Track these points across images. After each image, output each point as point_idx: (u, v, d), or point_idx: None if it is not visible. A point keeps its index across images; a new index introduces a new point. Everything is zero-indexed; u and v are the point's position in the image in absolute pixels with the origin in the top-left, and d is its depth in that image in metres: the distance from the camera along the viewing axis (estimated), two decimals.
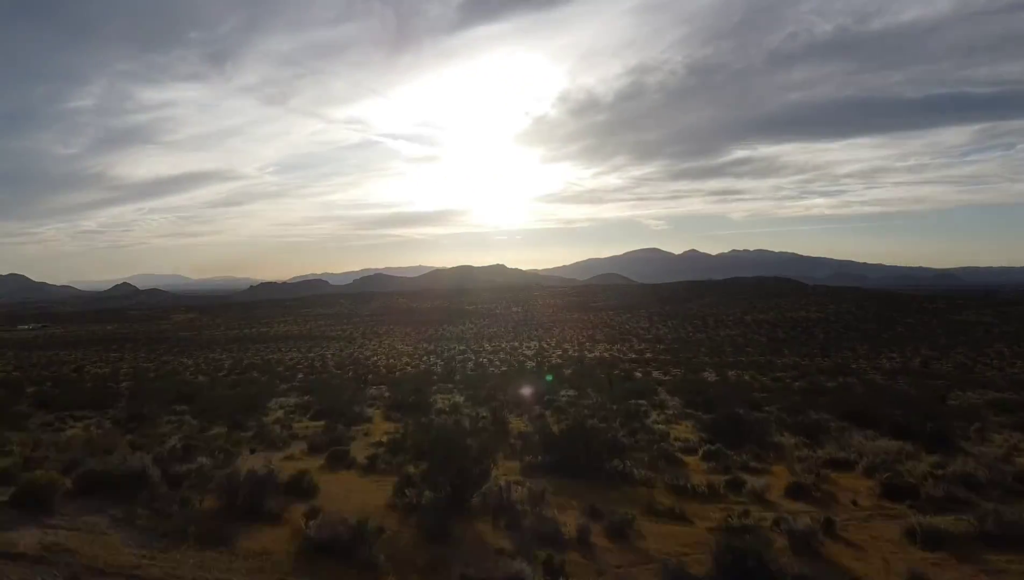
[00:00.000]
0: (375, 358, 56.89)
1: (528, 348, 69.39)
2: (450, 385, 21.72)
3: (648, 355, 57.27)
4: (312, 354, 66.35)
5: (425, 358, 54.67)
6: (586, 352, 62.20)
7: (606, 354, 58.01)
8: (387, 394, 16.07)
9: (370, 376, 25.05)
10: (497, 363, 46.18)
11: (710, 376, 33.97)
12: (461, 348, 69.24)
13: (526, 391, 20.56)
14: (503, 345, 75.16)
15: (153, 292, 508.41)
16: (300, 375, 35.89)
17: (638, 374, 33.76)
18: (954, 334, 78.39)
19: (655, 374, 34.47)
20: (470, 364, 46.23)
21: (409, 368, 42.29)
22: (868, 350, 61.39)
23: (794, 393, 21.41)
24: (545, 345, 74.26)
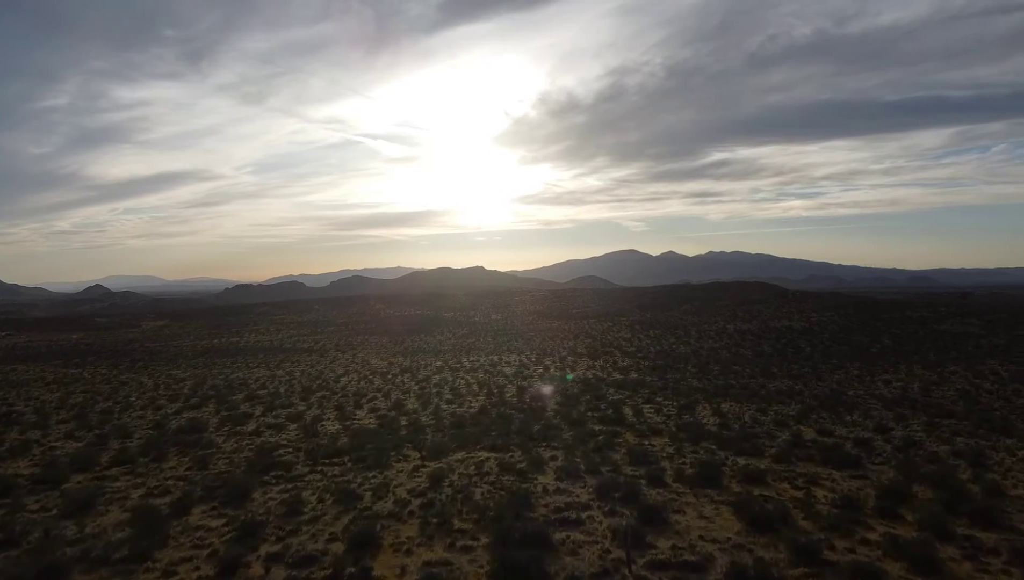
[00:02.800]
0: (345, 378, 53.79)
1: (508, 364, 66.57)
2: (415, 459, 18.67)
3: (634, 375, 54.79)
4: (280, 372, 63.10)
5: (398, 379, 51.61)
6: (568, 370, 59.65)
7: (590, 374, 55.37)
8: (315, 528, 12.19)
9: (324, 440, 21.83)
10: (475, 388, 43.26)
11: (705, 412, 31.45)
12: (438, 365, 66.17)
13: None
14: (482, 359, 72.20)
15: (126, 294, 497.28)
16: (259, 411, 32.81)
17: (627, 410, 31.09)
18: (943, 348, 76.93)
19: (647, 410, 31.84)
20: (447, 388, 43.45)
21: (379, 397, 39.29)
22: (860, 369, 59.40)
23: (812, 459, 18.77)
24: (526, 359, 71.50)
